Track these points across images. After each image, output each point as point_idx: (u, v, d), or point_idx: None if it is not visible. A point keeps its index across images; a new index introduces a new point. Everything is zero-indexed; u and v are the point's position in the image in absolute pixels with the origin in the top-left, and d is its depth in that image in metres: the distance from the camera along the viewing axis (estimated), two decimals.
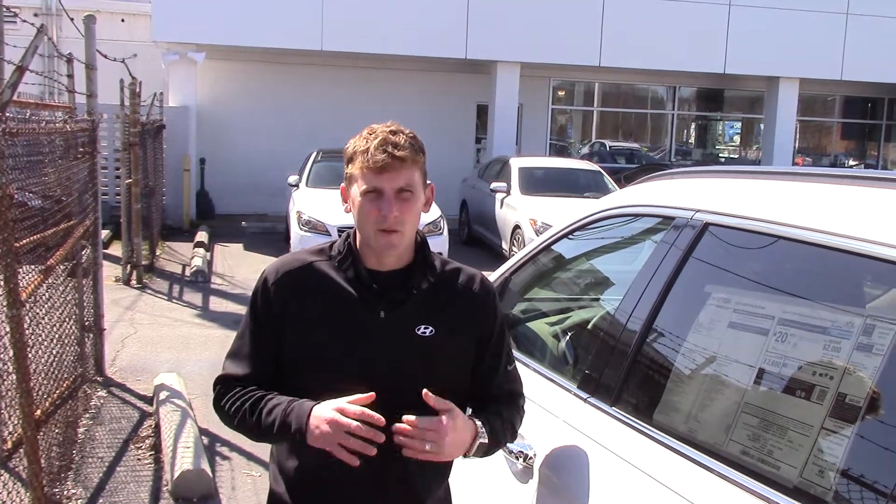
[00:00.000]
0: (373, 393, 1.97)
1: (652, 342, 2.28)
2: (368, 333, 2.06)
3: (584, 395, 2.40)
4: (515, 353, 2.84)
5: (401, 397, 2.05)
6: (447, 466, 2.22)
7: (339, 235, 2.21)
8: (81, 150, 6.38)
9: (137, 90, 10.88)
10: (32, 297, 4.17)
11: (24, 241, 4.10)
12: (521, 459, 2.45)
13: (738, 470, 1.79)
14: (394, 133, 2.04)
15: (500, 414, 2.16)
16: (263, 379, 2.12)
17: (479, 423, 2.07)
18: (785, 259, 2.04)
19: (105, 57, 8.26)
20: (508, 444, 2.49)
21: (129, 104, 10.85)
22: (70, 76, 6.77)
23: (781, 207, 2.05)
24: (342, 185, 2.15)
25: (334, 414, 1.93)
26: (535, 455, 2.43)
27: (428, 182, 2.14)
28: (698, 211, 2.28)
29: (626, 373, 2.28)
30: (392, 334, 2.07)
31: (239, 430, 2.15)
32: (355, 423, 1.91)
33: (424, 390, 1.96)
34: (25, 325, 3.80)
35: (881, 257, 1.70)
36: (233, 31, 16.21)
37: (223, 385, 2.16)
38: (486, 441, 2.08)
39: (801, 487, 1.65)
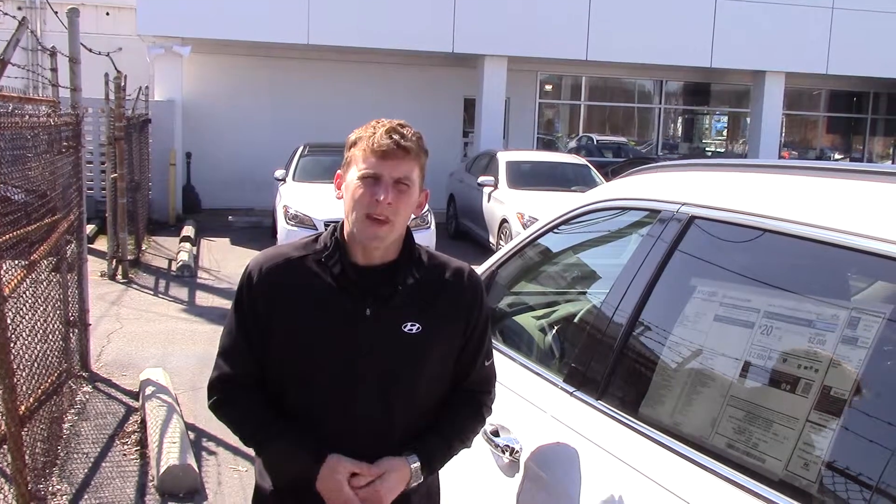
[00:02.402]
0: (381, 472, 2.02)
1: (638, 336, 2.28)
2: (354, 331, 2.04)
3: (571, 389, 2.40)
4: (502, 347, 2.85)
5: (388, 395, 2.05)
6: None
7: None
8: (65, 144, 6.33)
9: (122, 84, 10.80)
10: (16, 292, 4.14)
11: (7, 235, 4.07)
12: (507, 453, 2.44)
13: (723, 463, 1.79)
14: (402, 126, 2.05)
15: (448, 438, 2.15)
16: (257, 377, 2.11)
17: (411, 465, 2.06)
18: (770, 252, 2.04)
19: (90, 51, 8.21)
20: (495, 439, 2.50)
21: (114, 98, 10.77)
22: (54, 70, 6.72)
23: (767, 200, 2.04)
24: (338, 171, 2.13)
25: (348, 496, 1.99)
26: (521, 449, 2.42)
27: (424, 188, 2.12)
28: (684, 204, 2.28)
29: (612, 366, 2.27)
30: (378, 332, 2.05)
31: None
32: None
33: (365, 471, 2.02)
34: (8, 321, 3.77)
35: (866, 250, 1.69)
36: (218, 25, 16.13)
37: (219, 389, 2.14)
38: (422, 478, 2.09)
39: (787, 480, 1.65)
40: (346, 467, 2.00)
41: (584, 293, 3.25)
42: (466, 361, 2.18)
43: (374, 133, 2.01)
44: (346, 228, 2.09)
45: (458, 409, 2.18)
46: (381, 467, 2.02)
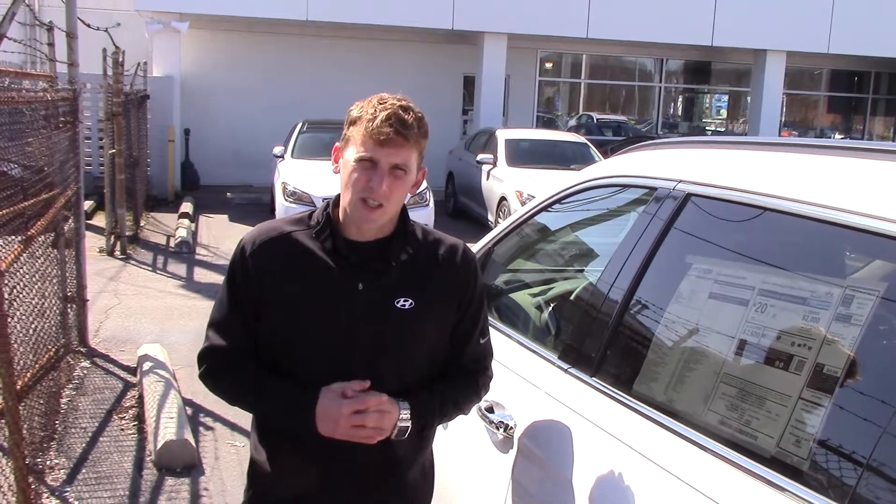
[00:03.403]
0: (367, 382, 1.99)
1: (633, 313, 2.28)
2: (347, 306, 2.03)
3: (565, 366, 2.40)
4: (498, 324, 2.86)
5: (380, 370, 2.05)
6: (428, 435, 2.23)
7: None
8: (63, 119, 6.31)
9: (120, 60, 10.75)
10: (13, 267, 4.13)
11: (4, 210, 4.06)
12: (501, 429, 2.45)
13: (716, 440, 1.79)
14: (404, 109, 1.99)
15: (441, 392, 2.13)
16: (248, 349, 2.11)
17: (401, 411, 2.02)
18: (766, 230, 2.03)
19: (87, 26, 8.15)
20: (489, 415, 2.50)
21: (111, 74, 10.73)
22: (51, 45, 6.68)
23: (764, 178, 2.04)
24: (336, 143, 2.10)
25: (353, 418, 1.96)
26: (515, 425, 2.43)
27: (422, 166, 2.10)
28: (681, 181, 2.27)
29: (607, 343, 2.27)
30: (371, 307, 2.04)
31: (232, 404, 2.20)
32: (372, 420, 1.97)
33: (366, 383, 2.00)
34: (5, 295, 3.77)
35: (862, 228, 1.69)
36: (217, 1, 16.03)
37: (209, 358, 2.14)
38: (409, 426, 2.04)
39: (778, 457, 1.66)
40: (336, 386, 1.99)
41: (580, 270, 3.25)
42: (461, 338, 2.18)
43: (375, 117, 1.96)
44: (342, 204, 2.08)
45: (453, 379, 2.18)
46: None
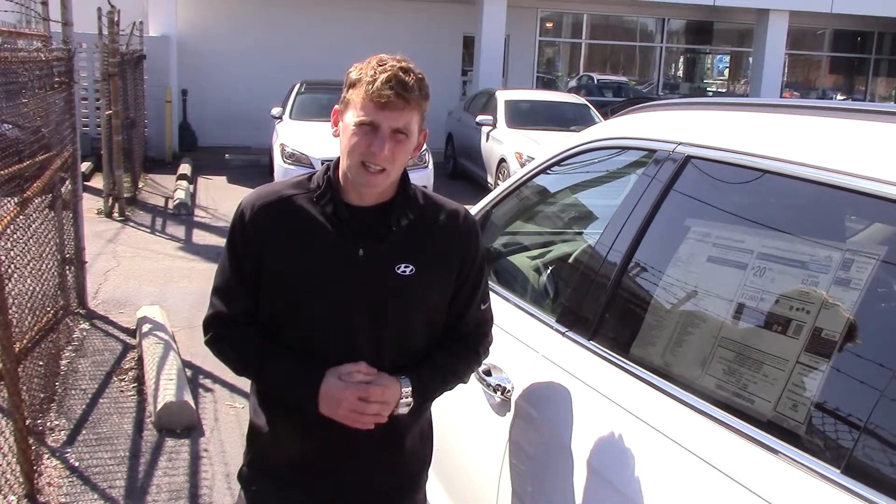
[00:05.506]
0: (374, 370, 2.00)
1: (631, 276, 2.27)
2: (347, 272, 2.01)
3: (563, 329, 2.39)
4: (496, 287, 2.85)
5: (380, 336, 2.04)
6: (428, 404, 2.23)
7: None
8: (58, 79, 6.25)
9: (116, 19, 10.64)
10: (9, 229, 4.12)
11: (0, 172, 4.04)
12: (499, 392, 2.45)
13: (712, 404, 1.79)
14: (405, 71, 1.94)
15: (443, 366, 2.13)
16: (251, 315, 2.09)
17: (403, 388, 2.04)
18: (766, 192, 2.02)
19: None
20: (486, 378, 2.50)
21: (107, 33, 10.63)
22: (44, 3, 6.59)
23: (764, 140, 2.01)
24: (336, 106, 2.06)
25: (356, 404, 1.98)
26: (512, 388, 2.43)
27: (423, 128, 2.06)
28: (680, 143, 2.25)
29: (605, 307, 2.26)
30: (371, 273, 2.02)
31: (237, 374, 2.21)
32: (373, 409, 1.99)
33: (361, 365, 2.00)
34: (2, 257, 3.76)
35: (865, 191, 1.67)
36: None
37: (213, 326, 2.13)
38: (412, 403, 2.06)
39: (775, 421, 1.66)
40: (344, 369, 2.00)
41: (579, 233, 3.24)
42: (461, 304, 2.16)
43: (375, 80, 1.91)
44: (342, 168, 2.05)
45: (453, 347, 2.17)
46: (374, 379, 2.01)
